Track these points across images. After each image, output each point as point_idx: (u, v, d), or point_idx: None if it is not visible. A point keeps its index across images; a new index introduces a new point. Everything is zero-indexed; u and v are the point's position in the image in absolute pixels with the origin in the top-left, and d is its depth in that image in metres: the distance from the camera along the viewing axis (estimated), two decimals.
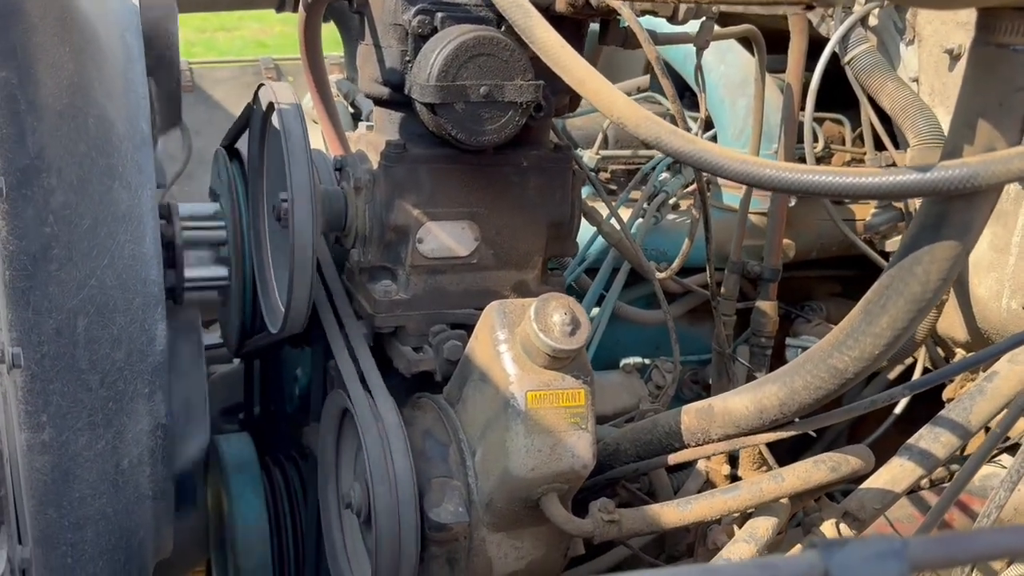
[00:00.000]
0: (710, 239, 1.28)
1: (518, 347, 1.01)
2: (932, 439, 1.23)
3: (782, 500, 1.05)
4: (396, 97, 1.10)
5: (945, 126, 1.49)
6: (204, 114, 2.53)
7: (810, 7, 0.74)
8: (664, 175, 1.65)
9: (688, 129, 1.85)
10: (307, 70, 1.30)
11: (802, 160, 1.58)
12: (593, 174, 1.64)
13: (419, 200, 1.13)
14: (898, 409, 1.70)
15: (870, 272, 1.69)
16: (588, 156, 1.77)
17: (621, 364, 1.65)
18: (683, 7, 1.02)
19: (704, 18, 1.09)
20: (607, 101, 0.84)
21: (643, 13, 1.03)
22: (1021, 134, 0.73)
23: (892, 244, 1.63)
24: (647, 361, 1.66)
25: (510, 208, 1.18)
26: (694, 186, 1.73)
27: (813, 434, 1.36)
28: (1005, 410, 1.12)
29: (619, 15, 1.10)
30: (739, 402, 1.04)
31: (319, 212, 1.13)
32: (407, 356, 1.17)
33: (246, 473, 1.56)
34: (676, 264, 1.28)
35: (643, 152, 1.74)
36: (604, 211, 1.46)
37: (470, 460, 1.07)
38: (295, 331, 1.15)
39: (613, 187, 1.71)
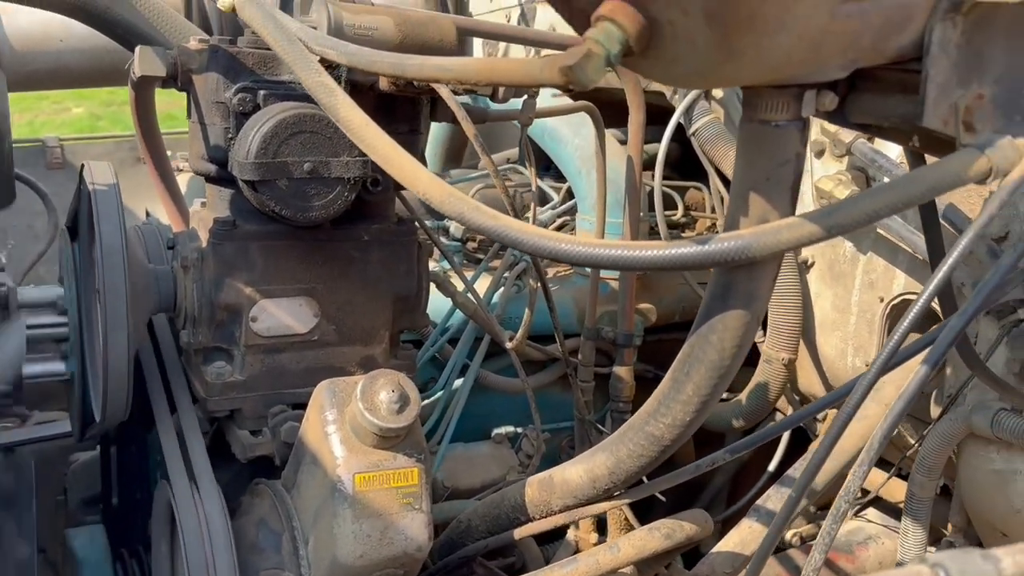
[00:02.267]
0: (552, 307, 1.29)
1: (347, 428, 0.99)
2: (779, 499, 1.25)
3: (624, 570, 1.04)
4: (223, 174, 1.09)
5: None
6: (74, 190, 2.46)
7: (568, 90, 0.77)
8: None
9: (546, 199, 1.88)
10: (143, 147, 1.27)
11: (654, 228, 1.62)
12: (447, 244, 1.64)
13: (251, 278, 1.10)
14: (772, 466, 1.72)
15: None
16: (455, 226, 1.78)
17: (493, 434, 1.63)
18: (501, 88, 1.05)
19: (526, 96, 1.12)
20: (411, 178, 0.84)
21: (465, 92, 1.05)
22: (792, 205, 0.76)
23: None
24: (519, 430, 1.65)
25: (351, 283, 1.16)
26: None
27: (661, 496, 1.37)
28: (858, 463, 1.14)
29: (456, 91, 1.11)
30: (574, 472, 1.03)
31: (143, 295, 1.09)
32: (243, 440, 1.12)
33: (96, 568, 1.47)
34: (520, 334, 1.29)
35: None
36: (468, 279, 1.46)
37: (303, 549, 1.02)
38: (116, 421, 1.10)
39: (480, 255, 1.72)
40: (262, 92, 1.04)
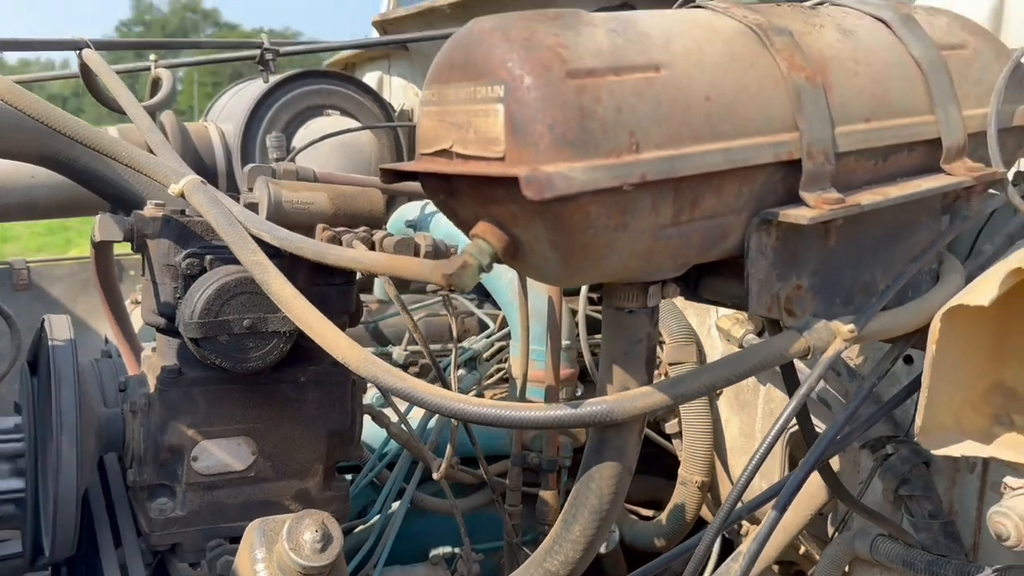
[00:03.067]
0: (474, 440, 1.40)
1: (274, 566, 1.07)
2: None
3: None
4: (171, 327, 1.20)
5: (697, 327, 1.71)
6: (41, 311, 2.55)
7: (450, 289, 0.90)
8: (461, 371, 1.78)
9: (485, 326, 1.99)
10: (102, 298, 1.39)
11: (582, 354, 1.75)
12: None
13: (194, 420, 1.21)
14: None
15: (659, 451, 1.84)
16: (397, 352, 1.90)
17: (430, 555, 1.71)
18: (423, 247, 1.19)
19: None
20: (332, 344, 0.96)
21: None
22: (647, 375, 0.89)
23: (671, 426, 1.79)
24: (456, 550, 1.72)
25: (288, 422, 1.27)
26: (491, 380, 1.88)
27: None
28: None
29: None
30: None
31: (94, 438, 1.19)
32: (183, 573, 1.20)
33: None
34: (444, 465, 1.39)
35: (451, 346, 1.88)
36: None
37: None
38: (64, 556, 1.17)
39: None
40: (208, 256, 1.17)
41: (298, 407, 1.28)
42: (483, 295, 2.05)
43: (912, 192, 0.84)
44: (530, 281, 1.70)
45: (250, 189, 1.26)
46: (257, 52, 1.90)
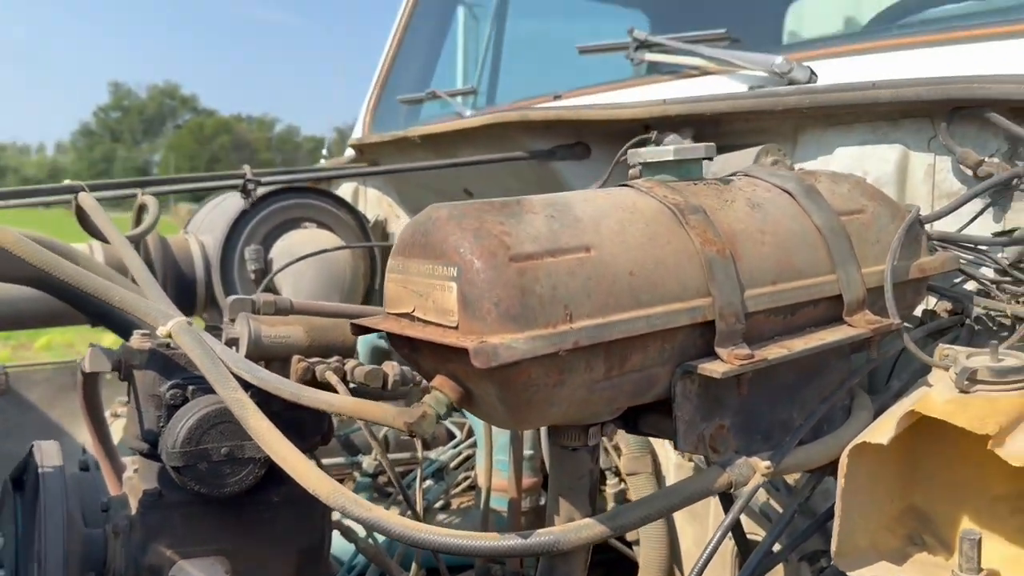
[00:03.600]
0: (438, 558, 1.48)
1: None
2: None
3: None
4: (153, 452, 1.28)
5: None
6: (16, 417, 2.60)
7: (411, 434, 0.99)
8: (428, 482, 1.86)
9: (452, 435, 2.08)
10: (90, 427, 1.48)
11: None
12: (360, 480, 1.84)
13: (172, 541, 1.28)
14: None
15: (620, 556, 1.91)
16: (368, 462, 1.98)
17: None
18: (391, 376, 1.29)
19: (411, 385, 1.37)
20: (304, 476, 1.05)
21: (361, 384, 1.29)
22: (590, 507, 0.99)
23: (632, 533, 1.87)
24: None
25: (260, 541, 1.34)
26: (459, 488, 1.96)
27: None
28: None
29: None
30: None
31: (77, 559, 1.25)
32: None
33: None
34: None
35: (421, 455, 1.96)
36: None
37: None
38: None
39: (390, 490, 1.90)
40: (191, 387, 1.26)
41: (271, 526, 1.35)
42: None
43: (815, 345, 0.97)
44: None
45: (231, 320, 1.36)
46: (240, 182, 2.03)
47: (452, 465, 1.91)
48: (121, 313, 1.76)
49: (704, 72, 1.82)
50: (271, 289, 2.41)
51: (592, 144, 1.78)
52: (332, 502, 1.02)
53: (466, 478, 1.95)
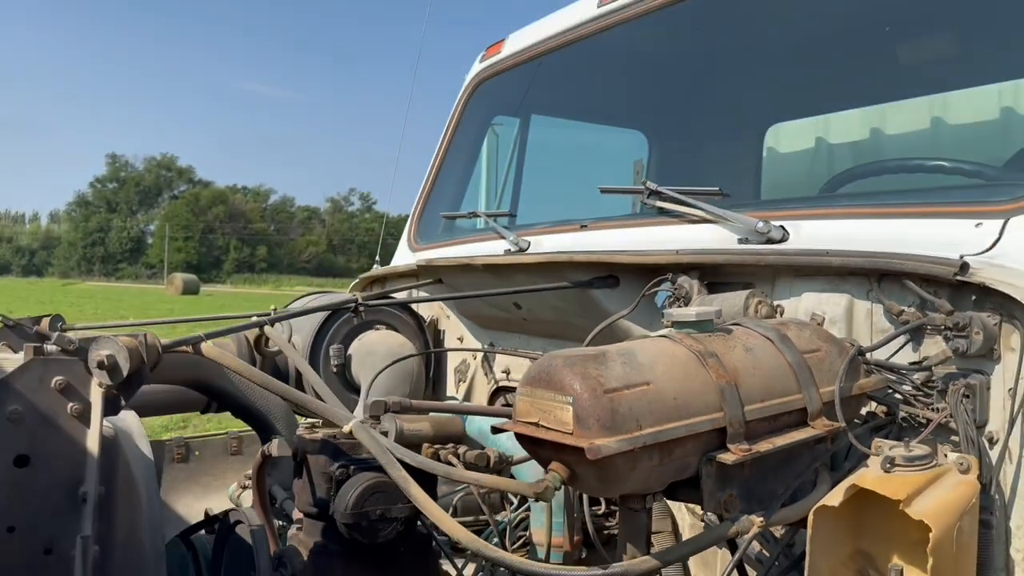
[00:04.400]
0: None
1: None
2: None
3: None
4: (321, 514, 1.79)
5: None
6: (198, 476, 3.15)
7: (537, 499, 1.51)
8: (495, 540, 2.35)
9: (509, 502, 2.57)
10: (256, 496, 1.98)
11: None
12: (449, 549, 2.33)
13: None
14: None
15: None
16: None
17: None
18: (492, 458, 1.81)
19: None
20: (449, 526, 1.55)
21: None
22: (647, 550, 1.50)
23: None
24: None
25: None
26: (517, 544, 2.44)
27: None
28: None
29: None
30: None
31: None
32: None
33: None
34: None
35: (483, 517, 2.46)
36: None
37: None
38: None
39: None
40: (352, 467, 1.78)
41: (399, 569, 1.85)
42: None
43: (790, 442, 1.50)
44: None
45: (374, 417, 1.88)
46: (353, 305, 2.58)
47: (513, 525, 2.41)
48: (258, 408, 2.28)
49: (701, 220, 2.40)
50: (351, 383, 2.94)
51: (621, 276, 2.34)
52: (471, 545, 1.54)
53: (521, 537, 2.44)
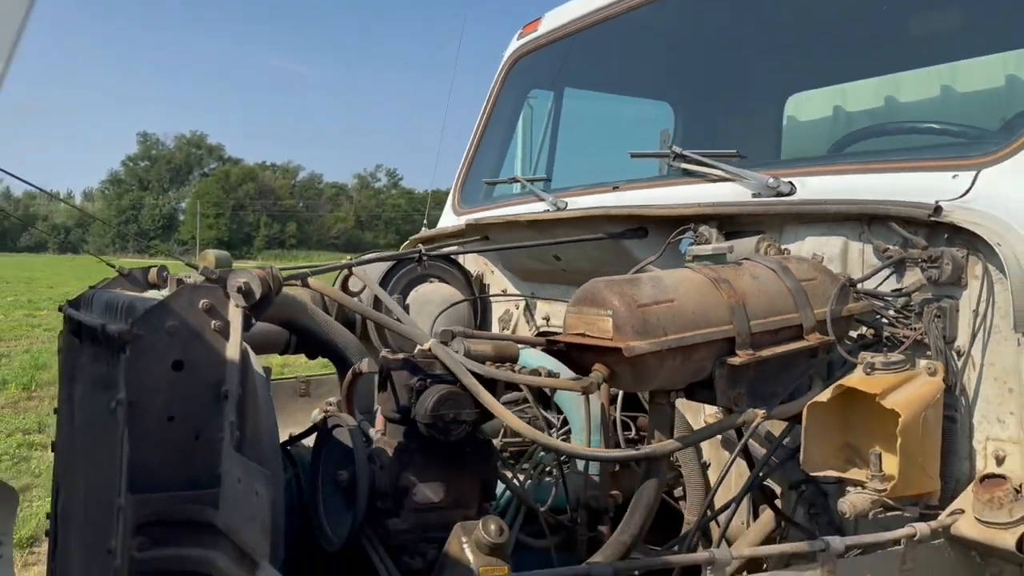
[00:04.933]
0: (567, 490, 2.35)
1: (473, 544, 2.00)
2: None
3: None
4: (403, 419, 2.17)
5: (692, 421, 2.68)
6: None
7: (583, 392, 1.88)
8: (541, 452, 2.74)
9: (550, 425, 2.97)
10: (347, 406, 2.37)
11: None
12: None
13: (413, 473, 2.15)
14: None
15: (669, 510, 2.77)
16: (496, 442, 2.86)
17: None
18: (543, 373, 2.19)
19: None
20: (515, 423, 1.93)
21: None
22: (672, 435, 1.86)
23: (678, 491, 2.72)
24: None
25: (461, 474, 2.22)
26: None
27: None
28: None
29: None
30: None
31: (362, 484, 2.14)
32: (402, 565, 2.12)
33: None
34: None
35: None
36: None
37: None
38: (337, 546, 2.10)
39: (512, 461, 2.78)
40: (428, 379, 2.16)
41: (466, 465, 2.23)
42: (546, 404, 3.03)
43: (787, 350, 1.85)
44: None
45: (444, 342, 2.25)
46: (417, 255, 2.96)
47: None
48: (336, 344, 2.67)
49: (721, 179, 2.74)
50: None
51: (649, 228, 2.69)
52: (527, 433, 1.92)
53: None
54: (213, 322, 1.88)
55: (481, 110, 4.41)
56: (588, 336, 1.76)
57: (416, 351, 2.14)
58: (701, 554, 1.63)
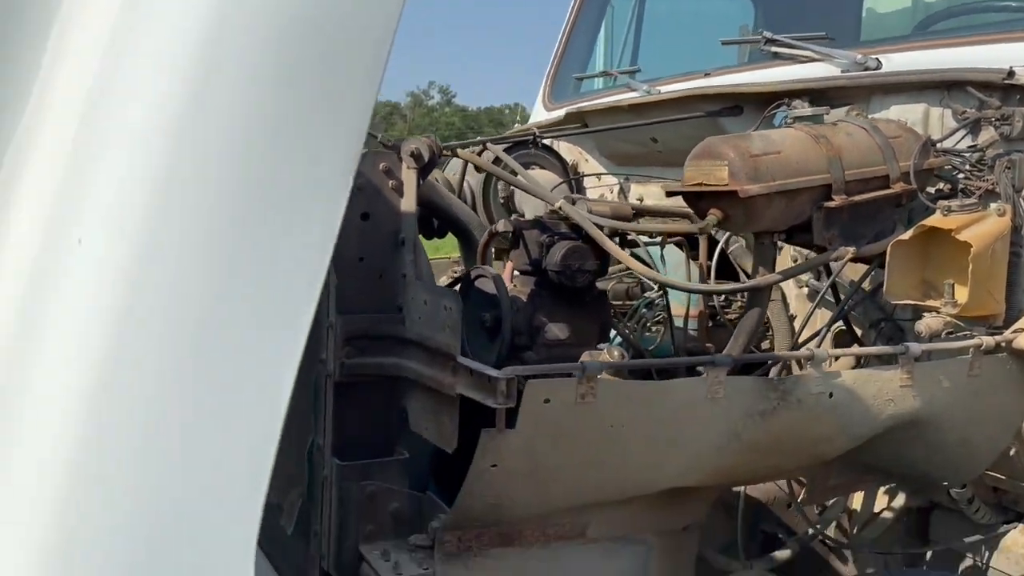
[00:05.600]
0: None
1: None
2: None
3: None
4: (534, 271, 2.56)
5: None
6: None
7: (700, 232, 2.21)
8: (643, 310, 3.12)
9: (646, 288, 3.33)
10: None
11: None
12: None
13: (545, 314, 2.55)
14: None
15: None
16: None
17: None
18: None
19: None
20: (635, 265, 2.29)
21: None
22: (772, 270, 2.21)
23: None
24: None
25: (582, 315, 2.61)
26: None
27: None
28: None
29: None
30: None
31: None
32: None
33: None
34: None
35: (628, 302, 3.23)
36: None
37: None
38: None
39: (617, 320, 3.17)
40: (555, 236, 2.53)
41: (590, 308, 2.62)
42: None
43: (875, 195, 2.17)
44: (679, 258, 3.03)
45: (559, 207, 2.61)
46: (531, 137, 3.31)
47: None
48: (461, 219, 3.06)
49: (809, 60, 2.98)
50: (512, 212, 3.70)
51: (744, 105, 2.97)
52: (647, 276, 2.28)
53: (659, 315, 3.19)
54: (390, 181, 2.28)
55: (569, 8, 4.65)
56: (705, 184, 2.10)
57: (546, 212, 2.50)
58: (803, 351, 2.00)
